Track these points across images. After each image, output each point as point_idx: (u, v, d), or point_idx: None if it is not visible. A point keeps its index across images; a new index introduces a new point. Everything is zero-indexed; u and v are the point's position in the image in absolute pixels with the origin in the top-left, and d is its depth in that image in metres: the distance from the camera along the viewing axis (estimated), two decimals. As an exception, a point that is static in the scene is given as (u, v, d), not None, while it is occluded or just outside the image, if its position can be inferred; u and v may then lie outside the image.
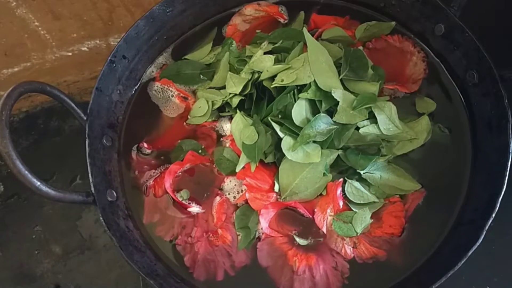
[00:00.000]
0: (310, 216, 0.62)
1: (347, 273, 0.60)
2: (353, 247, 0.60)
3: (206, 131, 0.70)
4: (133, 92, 0.75)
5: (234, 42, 0.74)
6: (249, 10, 0.77)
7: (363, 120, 0.62)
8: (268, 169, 0.64)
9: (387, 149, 0.63)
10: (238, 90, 0.66)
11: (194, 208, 0.65)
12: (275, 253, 0.61)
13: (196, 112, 0.70)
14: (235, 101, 0.67)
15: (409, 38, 0.72)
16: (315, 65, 0.62)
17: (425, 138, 0.64)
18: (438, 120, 0.66)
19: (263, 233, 0.62)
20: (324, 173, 0.61)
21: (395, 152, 0.64)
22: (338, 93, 0.60)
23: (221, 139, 0.69)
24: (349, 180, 0.62)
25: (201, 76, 0.74)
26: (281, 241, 0.62)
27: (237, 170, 0.63)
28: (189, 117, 0.71)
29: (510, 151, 0.57)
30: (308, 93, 0.61)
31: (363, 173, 0.62)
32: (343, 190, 0.62)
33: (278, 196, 0.63)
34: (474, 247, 0.53)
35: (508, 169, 0.57)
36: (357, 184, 0.62)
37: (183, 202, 0.65)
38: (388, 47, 0.72)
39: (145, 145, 0.70)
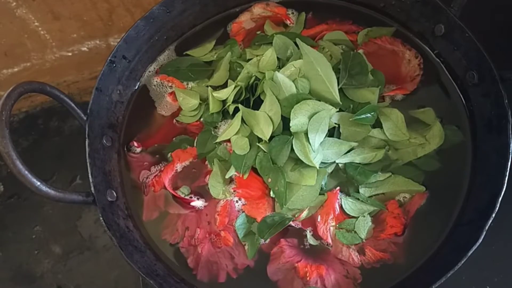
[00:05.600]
0: (302, 227, 0.62)
1: (360, 279, 0.59)
2: (359, 254, 0.60)
3: (196, 130, 0.70)
4: (133, 92, 0.75)
5: (236, 43, 0.74)
6: (257, 9, 0.77)
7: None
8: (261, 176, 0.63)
9: (393, 154, 0.63)
10: (231, 98, 0.65)
11: (197, 202, 0.64)
12: (284, 266, 0.60)
13: (187, 110, 0.70)
14: (231, 108, 0.66)
15: (397, 38, 0.71)
16: (310, 76, 0.60)
17: (437, 143, 0.63)
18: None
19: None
20: (320, 192, 0.60)
21: (404, 158, 0.63)
22: (335, 117, 0.60)
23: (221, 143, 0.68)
24: (344, 198, 0.61)
25: (200, 73, 0.73)
26: (290, 254, 0.61)
27: (226, 177, 0.63)
28: (180, 114, 0.71)
29: (510, 151, 0.57)
30: (308, 105, 0.59)
31: (365, 197, 0.61)
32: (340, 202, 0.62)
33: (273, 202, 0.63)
34: (474, 247, 0.53)
35: (508, 169, 0.57)
36: (351, 200, 0.61)
37: (185, 197, 0.64)
38: (379, 49, 0.71)
39: (135, 143, 0.70)
